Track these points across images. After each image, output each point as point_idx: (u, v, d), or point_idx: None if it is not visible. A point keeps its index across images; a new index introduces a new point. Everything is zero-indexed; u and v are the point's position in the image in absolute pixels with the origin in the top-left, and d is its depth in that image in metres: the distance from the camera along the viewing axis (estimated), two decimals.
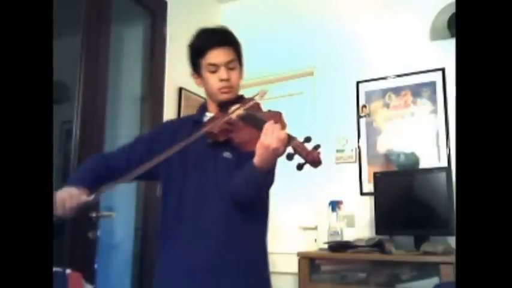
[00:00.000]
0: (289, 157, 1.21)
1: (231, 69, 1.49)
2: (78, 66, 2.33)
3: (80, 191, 1.35)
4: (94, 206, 2.23)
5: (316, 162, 1.18)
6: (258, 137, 1.24)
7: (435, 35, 2.77)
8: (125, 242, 2.71)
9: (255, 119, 1.34)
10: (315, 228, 2.98)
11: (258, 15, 3.49)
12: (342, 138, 2.98)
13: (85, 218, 2.19)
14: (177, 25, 2.98)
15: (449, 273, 2.07)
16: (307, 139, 1.20)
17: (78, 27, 2.37)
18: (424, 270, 2.23)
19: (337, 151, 2.98)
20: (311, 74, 3.21)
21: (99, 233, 2.23)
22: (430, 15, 2.77)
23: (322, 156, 1.20)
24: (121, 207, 2.60)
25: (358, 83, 2.98)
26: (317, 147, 1.19)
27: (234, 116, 1.40)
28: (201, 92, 3.08)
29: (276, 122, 1.25)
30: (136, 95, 2.96)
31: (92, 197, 1.35)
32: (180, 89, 2.99)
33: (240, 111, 1.41)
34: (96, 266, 2.23)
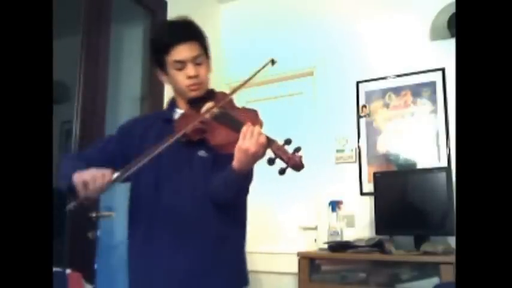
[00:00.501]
0: (271, 162, 1.17)
1: (198, 64, 1.41)
2: (78, 66, 2.33)
3: (102, 171, 1.23)
4: (94, 206, 2.23)
5: (298, 166, 1.14)
6: (235, 139, 1.20)
7: (435, 35, 2.77)
8: (125, 242, 2.70)
9: (231, 119, 1.29)
10: (315, 228, 2.98)
11: (258, 15, 3.49)
12: (342, 138, 2.98)
13: (85, 218, 2.19)
14: None
15: (449, 273, 2.07)
16: (287, 141, 1.16)
17: (78, 27, 2.37)
18: (424, 270, 2.23)
19: (337, 151, 2.98)
20: (311, 74, 3.21)
21: (99, 233, 2.23)
22: (430, 15, 2.77)
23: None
24: (121, 207, 2.59)
25: (358, 83, 2.98)
26: (298, 149, 1.15)
27: (208, 114, 1.34)
28: None
29: (252, 122, 1.22)
30: (136, 95, 2.96)
31: (116, 175, 1.23)
32: None
33: (215, 110, 1.35)
34: (96, 266, 2.22)
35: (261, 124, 1.26)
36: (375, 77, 2.93)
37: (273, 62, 1.42)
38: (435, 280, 2.13)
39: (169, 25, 1.49)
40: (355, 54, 3.03)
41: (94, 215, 2.21)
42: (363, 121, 2.94)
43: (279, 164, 1.16)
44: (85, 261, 2.15)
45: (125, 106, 2.99)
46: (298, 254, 2.57)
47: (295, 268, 2.57)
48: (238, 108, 1.42)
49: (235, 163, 1.22)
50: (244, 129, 1.19)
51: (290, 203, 3.12)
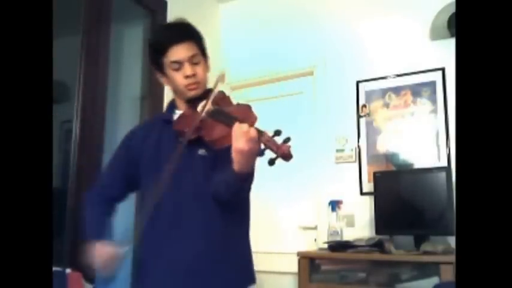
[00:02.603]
0: (260, 153, 1.17)
1: (196, 64, 1.43)
2: (78, 66, 2.33)
3: (114, 247, 1.32)
4: None
5: (287, 156, 1.13)
6: (229, 133, 1.20)
7: (435, 35, 2.77)
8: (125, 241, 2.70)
9: (224, 115, 1.30)
10: (315, 228, 2.98)
11: (257, 15, 3.49)
12: (342, 138, 2.98)
13: None
14: None
15: (449, 273, 2.07)
16: (277, 132, 1.15)
17: (78, 27, 2.37)
18: (424, 270, 2.23)
19: (337, 151, 2.98)
20: (311, 73, 3.20)
21: None
22: (430, 15, 2.77)
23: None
24: (121, 207, 2.60)
25: (358, 82, 2.98)
26: (287, 140, 1.14)
27: (203, 113, 1.35)
28: None
29: (245, 117, 1.22)
30: (136, 95, 2.96)
31: (125, 249, 1.31)
32: None
33: (209, 107, 1.36)
34: None
35: (255, 118, 1.26)
36: (374, 77, 2.93)
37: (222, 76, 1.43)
38: (435, 280, 2.13)
39: (165, 27, 1.51)
40: (355, 54, 3.03)
41: None
42: (362, 121, 2.94)
43: (270, 155, 1.15)
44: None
45: (125, 106, 2.99)
46: (298, 253, 2.57)
47: (295, 268, 2.57)
48: (232, 105, 1.43)
49: (235, 165, 1.22)
50: (234, 129, 1.19)
51: (290, 202, 3.12)
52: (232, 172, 1.23)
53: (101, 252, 1.31)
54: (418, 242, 2.39)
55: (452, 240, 2.40)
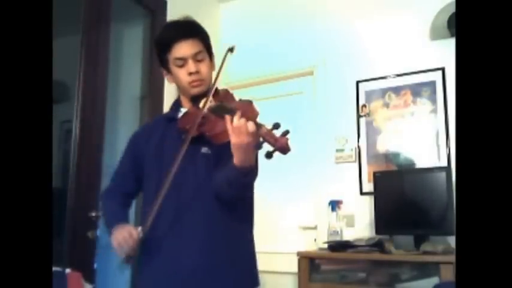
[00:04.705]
0: (258, 146, 1.18)
1: (200, 61, 1.43)
2: (78, 65, 2.33)
3: (130, 227, 1.34)
4: (93, 205, 2.23)
5: (284, 149, 1.12)
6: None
7: (435, 35, 2.77)
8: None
9: (226, 110, 1.29)
10: (315, 228, 2.98)
11: (257, 15, 3.49)
12: (342, 138, 2.98)
13: (85, 218, 2.19)
14: None
15: (449, 273, 2.07)
16: (276, 125, 1.15)
17: (78, 27, 2.37)
18: (424, 270, 2.23)
19: (337, 151, 2.98)
20: (311, 73, 3.20)
21: (98, 232, 2.23)
22: (430, 15, 2.77)
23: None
24: None
25: (358, 82, 2.98)
26: (285, 133, 1.14)
27: (205, 109, 1.35)
28: None
29: (246, 111, 1.22)
30: (136, 95, 2.96)
31: (141, 232, 1.32)
32: None
33: (211, 103, 1.36)
34: (95, 265, 2.22)
35: (256, 113, 1.26)
36: (374, 77, 2.93)
37: (231, 50, 1.45)
38: (435, 280, 2.13)
39: (171, 24, 1.51)
40: (355, 54, 3.03)
41: (94, 214, 2.21)
42: (362, 121, 2.94)
43: (267, 148, 1.15)
44: (85, 260, 2.15)
45: (124, 106, 2.99)
46: (298, 253, 2.57)
47: (295, 268, 2.57)
48: (235, 101, 1.42)
49: (235, 160, 1.22)
50: (229, 126, 1.19)
51: (290, 202, 3.12)
52: (233, 167, 1.23)
53: (118, 234, 1.32)
54: (418, 242, 2.39)
55: (452, 240, 2.40)
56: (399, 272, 2.29)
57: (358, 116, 2.96)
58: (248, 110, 1.24)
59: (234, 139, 1.18)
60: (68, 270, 1.74)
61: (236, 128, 1.17)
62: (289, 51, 3.26)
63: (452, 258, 2.08)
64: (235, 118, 1.18)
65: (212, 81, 1.45)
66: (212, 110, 1.35)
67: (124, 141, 1.63)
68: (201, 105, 1.39)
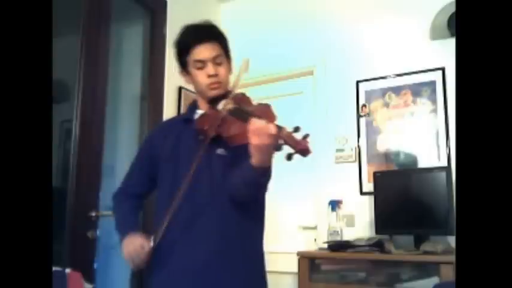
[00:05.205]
0: (278, 148, 1.20)
1: (218, 64, 1.48)
2: (78, 65, 2.33)
3: (146, 239, 1.36)
4: (93, 205, 2.23)
5: (305, 151, 1.15)
6: (246, 130, 1.22)
7: (435, 35, 2.77)
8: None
9: (244, 112, 1.32)
10: (315, 228, 2.98)
11: (258, 15, 3.49)
12: (342, 138, 2.98)
13: (85, 218, 2.19)
14: (177, 25, 2.95)
15: (449, 273, 2.07)
16: (296, 129, 1.18)
17: (78, 27, 2.37)
18: (424, 269, 2.23)
19: (337, 150, 2.98)
20: (311, 73, 3.20)
21: (98, 232, 2.23)
22: (430, 15, 2.76)
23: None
24: None
25: (358, 82, 2.98)
26: (306, 136, 1.17)
27: (224, 111, 1.38)
28: None
29: (265, 115, 1.24)
30: (136, 95, 2.96)
31: (152, 243, 1.35)
32: (180, 88, 2.99)
33: (230, 106, 1.39)
34: (95, 265, 2.22)
35: (274, 117, 1.28)
36: (374, 76, 2.93)
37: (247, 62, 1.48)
38: (435, 280, 2.13)
39: (192, 27, 1.54)
40: (355, 54, 3.03)
41: (94, 214, 2.21)
42: (362, 120, 2.94)
43: (287, 149, 1.18)
44: (85, 260, 2.15)
45: (124, 106, 2.99)
46: (298, 253, 2.57)
47: (295, 268, 2.57)
48: (252, 104, 1.45)
49: (253, 160, 1.23)
50: (250, 127, 1.21)
51: (290, 202, 3.12)
52: (250, 166, 1.24)
53: (130, 245, 1.34)
54: (418, 242, 2.39)
55: (452, 240, 2.40)
56: (399, 272, 2.29)
57: (358, 116, 2.95)
58: (267, 113, 1.28)
59: (255, 140, 1.19)
60: (68, 270, 1.74)
61: (258, 130, 1.19)
62: (289, 51, 3.26)
63: (452, 258, 2.08)
64: (257, 120, 1.21)
65: (232, 84, 1.48)
66: (231, 112, 1.38)
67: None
68: (219, 106, 1.41)
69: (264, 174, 1.27)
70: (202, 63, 1.45)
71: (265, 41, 3.37)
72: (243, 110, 1.35)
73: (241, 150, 1.28)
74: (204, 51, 1.45)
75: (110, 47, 2.50)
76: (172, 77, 2.93)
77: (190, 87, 3.07)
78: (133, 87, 2.97)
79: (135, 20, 3.02)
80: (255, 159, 1.23)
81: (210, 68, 1.45)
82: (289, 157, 1.16)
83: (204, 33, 1.49)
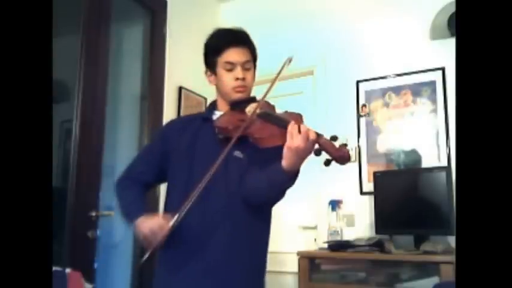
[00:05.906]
0: (317, 153, 1.26)
1: (247, 69, 1.52)
2: (78, 65, 2.33)
3: (159, 218, 1.32)
4: (93, 205, 2.23)
5: (344, 158, 1.23)
6: (280, 133, 1.26)
7: (435, 34, 2.77)
8: (125, 241, 2.71)
9: (275, 117, 1.37)
10: (315, 228, 2.98)
11: (257, 15, 3.48)
12: (342, 138, 2.97)
13: (85, 217, 2.19)
14: (177, 25, 2.98)
15: (449, 273, 2.07)
16: (334, 138, 1.26)
17: (78, 26, 2.37)
18: (424, 269, 2.23)
19: None
20: (311, 73, 3.20)
21: (98, 232, 2.23)
22: (430, 15, 2.76)
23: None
24: None
25: (358, 82, 2.98)
26: (344, 145, 1.25)
27: (253, 114, 1.40)
28: (200, 91, 3.09)
29: (300, 122, 1.28)
30: (136, 95, 2.96)
31: (172, 222, 1.29)
32: (180, 88, 2.99)
33: (259, 110, 1.42)
34: (95, 265, 2.23)
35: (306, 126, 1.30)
36: (374, 76, 2.93)
37: (290, 60, 1.59)
38: (435, 280, 2.13)
39: (225, 30, 1.57)
40: (355, 54, 3.03)
41: (94, 214, 2.21)
42: (363, 120, 2.94)
43: (324, 156, 1.25)
44: (85, 260, 2.15)
45: (124, 106, 2.99)
46: (298, 253, 2.57)
47: (295, 267, 2.57)
48: (280, 112, 1.49)
49: (284, 163, 1.25)
50: (289, 128, 1.24)
51: (290, 202, 3.10)
52: (280, 169, 1.26)
53: (145, 225, 1.30)
54: (418, 241, 2.39)
55: (452, 240, 2.41)
56: (399, 271, 2.29)
57: (358, 116, 2.96)
58: (301, 121, 1.32)
59: (294, 142, 1.22)
60: (68, 270, 1.74)
61: (295, 132, 1.22)
62: (289, 51, 3.25)
63: (452, 258, 2.08)
64: (300, 125, 1.25)
65: (268, 88, 1.53)
66: (259, 115, 1.40)
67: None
68: (248, 109, 1.43)
69: (292, 177, 1.29)
70: (232, 66, 1.48)
71: (265, 41, 3.36)
72: (274, 114, 1.40)
73: (259, 153, 1.31)
74: (235, 55, 1.49)
75: (110, 47, 2.50)
76: (172, 77, 2.93)
77: (190, 87, 3.07)
78: (133, 87, 2.97)
79: (135, 19, 3.02)
80: (287, 162, 1.24)
81: (239, 72, 1.48)
82: (327, 163, 1.24)
83: (238, 37, 1.52)
